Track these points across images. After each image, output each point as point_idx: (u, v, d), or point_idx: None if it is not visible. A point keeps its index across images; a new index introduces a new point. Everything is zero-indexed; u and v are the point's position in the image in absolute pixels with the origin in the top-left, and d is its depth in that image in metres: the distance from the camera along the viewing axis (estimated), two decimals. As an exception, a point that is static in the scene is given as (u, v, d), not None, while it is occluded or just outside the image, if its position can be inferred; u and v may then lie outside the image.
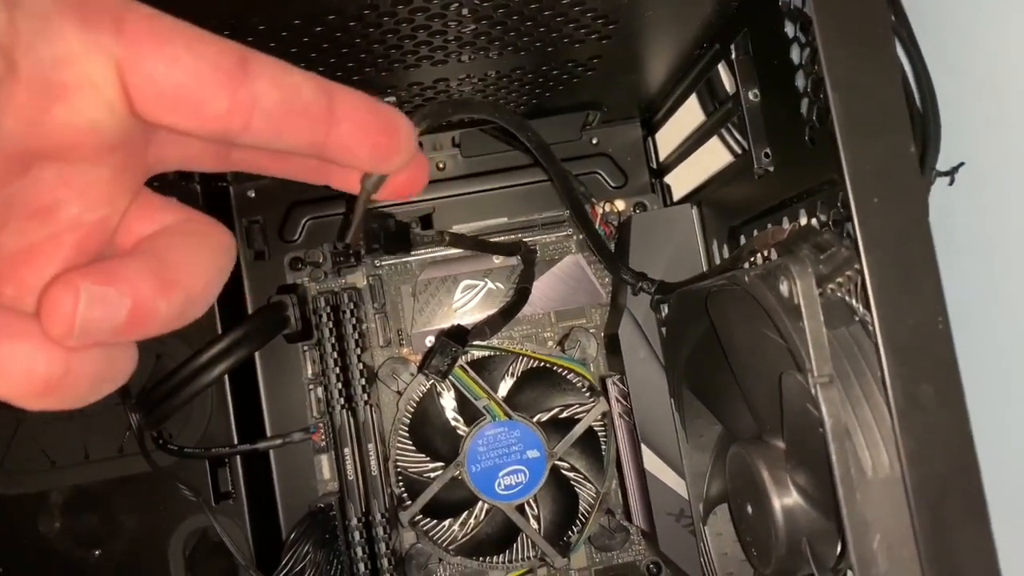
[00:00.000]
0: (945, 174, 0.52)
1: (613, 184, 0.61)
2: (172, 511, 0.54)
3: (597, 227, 0.57)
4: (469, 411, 0.53)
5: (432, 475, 0.53)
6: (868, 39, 0.29)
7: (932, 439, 0.27)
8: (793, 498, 0.36)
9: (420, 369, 0.50)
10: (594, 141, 0.61)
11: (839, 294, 0.31)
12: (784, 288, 0.31)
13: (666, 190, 0.61)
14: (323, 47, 0.38)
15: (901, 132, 0.28)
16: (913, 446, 0.27)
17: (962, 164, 0.52)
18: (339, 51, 0.38)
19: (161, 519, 0.54)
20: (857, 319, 0.31)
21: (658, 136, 0.61)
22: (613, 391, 0.53)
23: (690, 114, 0.58)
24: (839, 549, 0.34)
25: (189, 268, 0.20)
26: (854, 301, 0.30)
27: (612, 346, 0.55)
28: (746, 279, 0.34)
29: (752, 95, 0.42)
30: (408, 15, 0.36)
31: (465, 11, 0.36)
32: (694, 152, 0.55)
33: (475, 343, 0.49)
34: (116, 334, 0.18)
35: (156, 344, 0.55)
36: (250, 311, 0.57)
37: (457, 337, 0.48)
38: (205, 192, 0.57)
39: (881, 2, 0.29)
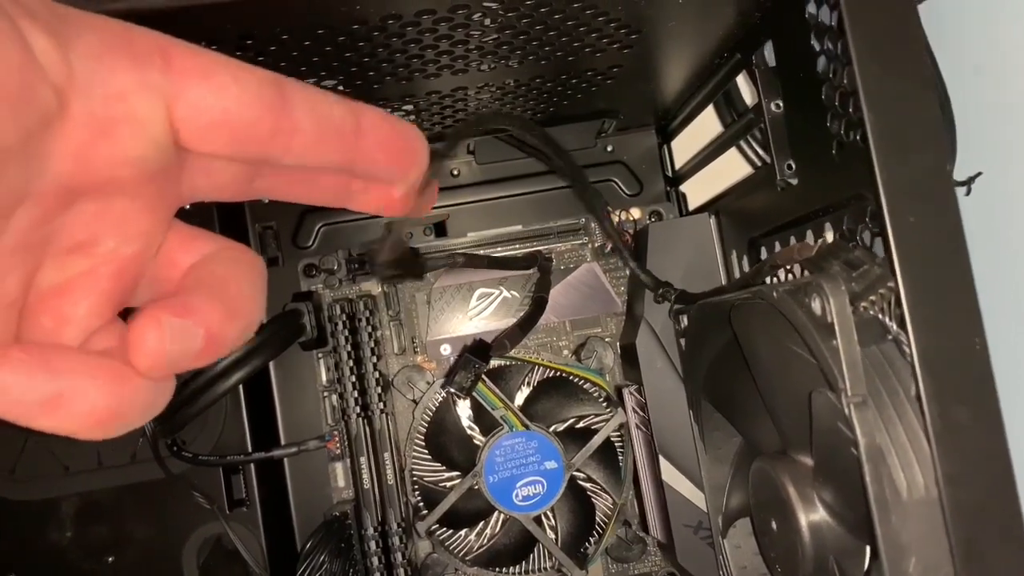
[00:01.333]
0: (962, 184, 0.52)
1: (628, 192, 0.60)
2: (185, 518, 0.54)
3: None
4: (485, 420, 0.53)
5: (448, 484, 0.53)
6: (903, 55, 0.28)
7: (969, 461, 0.27)
8: (820, 515, 0.36)
9: (444, 386, 0.50)
10: (609, 148, 0.60)
11: (872, 312, 0.30)
12: (816, 306, 0.30)
13: (682, 199, 0.61)
14: (345, 56, 0.37)
15: (937, 149, 0.28)
16: (950, 468, 0.27)
17: (979, 174, 0.52)
18: (360, 60, 0.38)
19: (174, 526, 0.54)
20: (890, 337, 0.30)
21: (674, 144, 0.61)
22: (630, 401, 0.53)
23: (706, 123, 0.58)
24: (866, 567, 0.33)
25: (244, 294, 0.21)
26: (887, 319, 0.30)
27: (628, 356, 0.54)
28: (774, 295, 0.34)
29: (775, 106, 0.42)
30: (431, 25, 0.35)
31: (488, 21, 0.36)
32: (712, 162, 0.55)
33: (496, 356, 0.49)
34: (192, 363, 0.20)
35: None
36: (264, 317, 0.57)
37: (479, 352, 0.47)
38: (219, 198, 0.56)
39: (916, 18, 0.29)
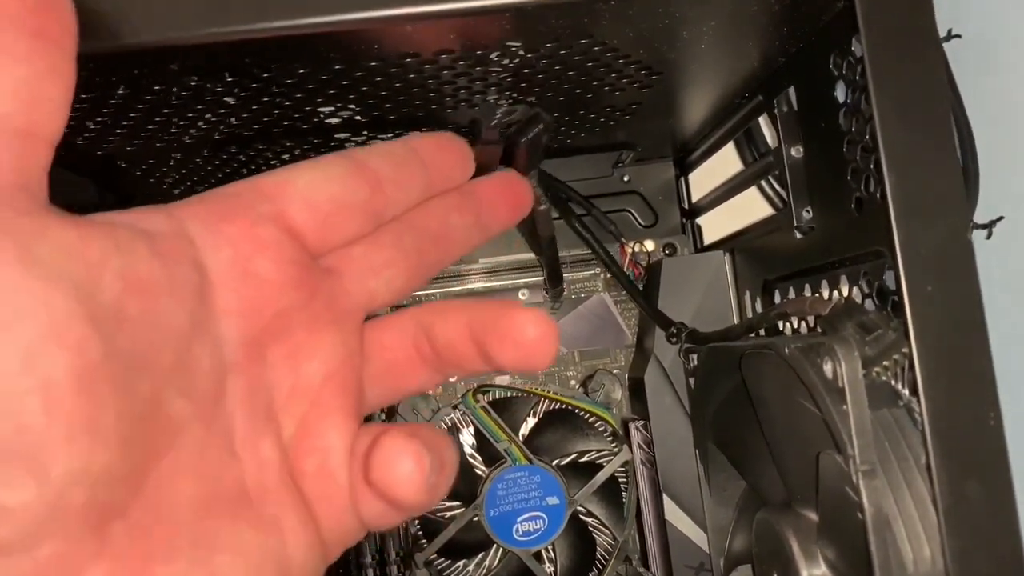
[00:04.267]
0: (983, 227, 0.51)
1: (643, 223, 0.60)
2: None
3: (626, 268, 0.56)
4: (488, 451, 0.53)
5: (448, 515, 0.52)
6: (928, 119, 0.28)
7: (978, 538, 0.26)
8: (822, 571, 0.36)
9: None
10: (625, 179, 0.60)
11: (884, 377, 0.30)
12: (828, 369, 0.30)
13: (697, 231, 0.60)
14: (362, 89, 0.37)
15: (958, 216, 0.27)
16: (958, 544, 0.26)
17: (1001, 218, 0.51)
18: (378, 93, 0.38)
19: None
20: (902, 404, 0.30)
21: (691, 177, 0.60)
22: (636, 437, 0.52)
23: (726, 158, 0.57)
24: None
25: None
26: (900, 385, 0.29)
27: (636, 390, 0.54)
28: (786, 350, 0.33)
29: (795, 151, 0.41)
30: (449, 63, 0.35)
31: (507, 61, 0.36)
32: (729, 199, 0.55)
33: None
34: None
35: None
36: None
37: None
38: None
39: (943, 80, 0.28)
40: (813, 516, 0.36)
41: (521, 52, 0.35)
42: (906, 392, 0.29)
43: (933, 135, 0.28)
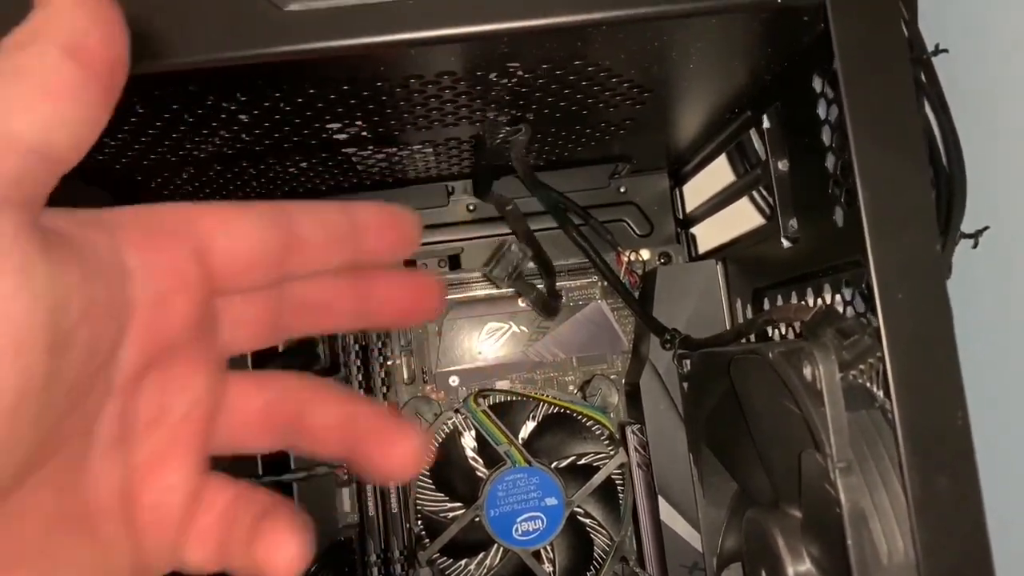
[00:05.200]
0: (969, 236, 0.53)
1: (639, 232, 0.62)
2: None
3: (622, 276, 0.58)
4: (488, 453, 0.54)
5: (450, 515, 0.54)
6: (900, 136, 0.30)
7: (947, 530, 0.28)
8: (807, 567, 0.37)
9: (485, 274, 0.53)
10: (622, 190, 0.62)
11: (860, 380, 0.31)
12: (808, 372, 0.32)
13: (691, 240, 0.62)
14: (367, 107, 0.39)
15: (928, 231, 0.29)
16: (928, 537, 0.28)
17: (987, 228, 0.53)
18: (383, 111, 0.40)
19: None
20: (877, 405, 0.31)
21: (685, 188, 0.62)
22: (632, 440, 0.54)
23: (719, 169, 0.59)
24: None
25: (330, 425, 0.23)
26: (875, 388, 0.31)
27: (632, 394, 0.56)
28: (771, 355, 0.35)
29: (781, 165, 0.43)
30: (451, 83, 0.37)
31: (505, 80, 0.38)
32: (722, 210, 0.56)
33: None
34: None
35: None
36: (280, 344, 0.59)
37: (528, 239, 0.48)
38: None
39: (912, 99, 0.30)
40: (798, 514, 0.38)
41: (519, 72, 0.37)
42: (880, 394, 0.31)
43: (904, 151, 0.29)
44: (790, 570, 0.37)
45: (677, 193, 0.63)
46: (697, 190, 0.61)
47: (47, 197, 0.17)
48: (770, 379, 0.36)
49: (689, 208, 0.62)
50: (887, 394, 0.30)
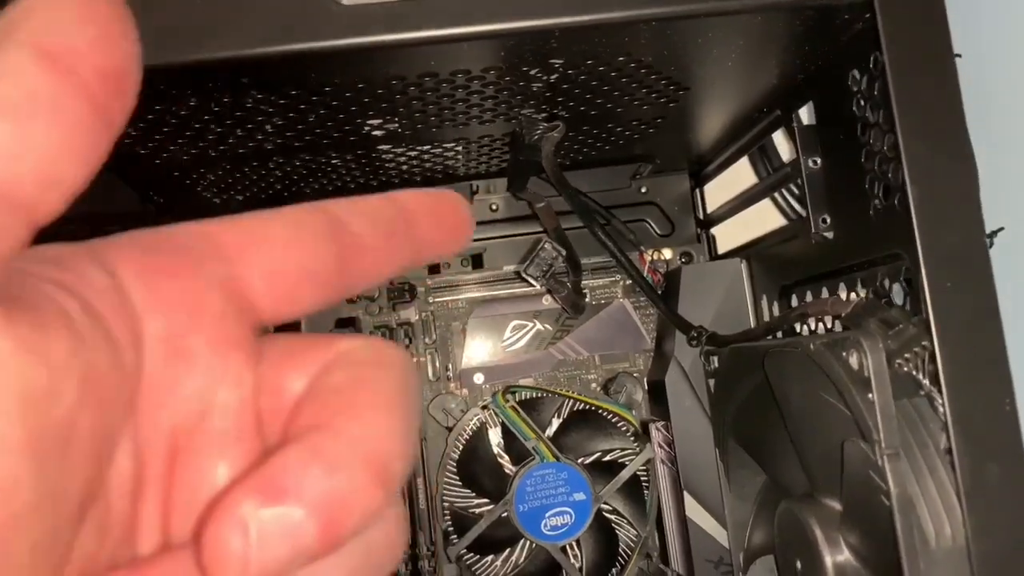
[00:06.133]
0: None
1: (660, 232, 0.62)
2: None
3: (645, 275, 0.58)
4: (515, 449, 0.55)
5: (477, 511, 0.54)
6: (946, 130, 0.30)
7: (997, 516, 0.29)
8: (845, 556, 0.38)
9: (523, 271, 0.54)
10: (643, 190, 0.63)
11: (906, 368, 0.32)
12: (854, 361, 0.32)
13: (711, 241, 0.63)
14: (410, 103, 0.39)
15: (975, 222, 0.30)
16: (978, 522, 0.29)
17: (1001, 229, 0.54)
18: (423, 107, 0.40)
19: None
20: (922, 393, 0.32)
21: (706, 188, 0.63)
22: (656, 437, 0.55)
23: (739, 170, 0.60)
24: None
25: (380, 425, 0.15)
26: (920, 376, 0.32)
27: (656, 392, 0.56)
28: (811, 347, 0.35)
29: (812, 162, 0.44)
30: (494, 79, 0.38)
31: (546, 76, 0.38)
32: (745, 209, 0.57)
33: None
34: (308, 563, 0.14)
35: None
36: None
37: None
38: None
39: (958, 92, 0.31)
40: (834, 505, 0.39)
41: (561, 68, 0.37)
42: (926, 382, 0.31)
43: (951, 143, 0.30)
44: (828, 559, 0.38)
45: (698, 193, 0.63)
46: (718, 190, 0.62)
47: (17, 251, 0.13)
48: (808, 372, 0.37)
49: (710, 208, 0.63)
50: (933, 382, 0.31)
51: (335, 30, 0.31)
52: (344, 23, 0.31)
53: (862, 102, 0.37)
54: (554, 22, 0.31)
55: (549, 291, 0.53)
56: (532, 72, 0.38)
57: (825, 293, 0.45)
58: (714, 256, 0.62)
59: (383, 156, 0.49)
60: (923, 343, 0.31)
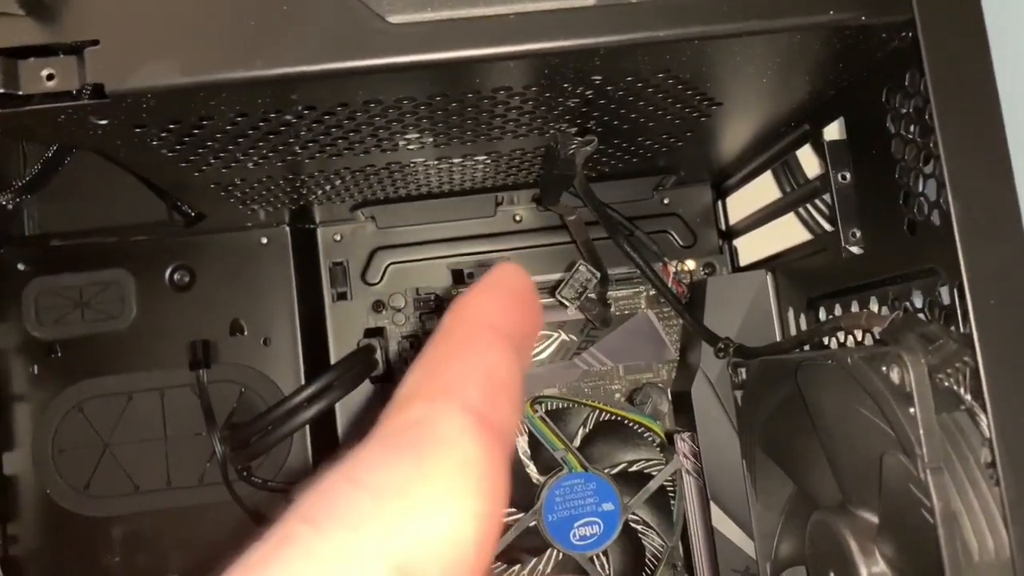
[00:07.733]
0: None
1: (683, 243, 0.63)
2: (249, 541, 0.56)
3: (670, 285, 0.59)
4: (542, 459, 0.55)
5: (505, 520, 0.55)
6: (988, 148, 0.31)
7: (1041, 530, 0.29)
8: (880, 568, 0.38)
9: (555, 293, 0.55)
10: (665, 201, 0.63)
11: (947, 383, 0.32)
12: (895, 375, 0.33)
13: (734, 252, 0.63)
14: (449, 119, 0.40)
15: (1017, 237, 0.30)
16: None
17: None
18: (462, 122, 0.41)
19: (237, 548, 0.56)
20: (963, 407, 0.32)
21: (729, 200, 0.63)
22: (683, 448, 0.55)
23: (762, 183, 0.60)
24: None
25: None
26: (962, 391, 0.32)
27: (681, 403, 0.57)
28: (849, 360, 0.36)
29: (841, 177, 0.44)
30: (534, 95, 0.38)
31: (582, 91, 0.39)
32: (769, 222, 0.58)
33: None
34: None
35: (240, 376, 0.58)
36: (332, 348, 0.60)
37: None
38: (294, 233, 0.59)
39: (999, 108, 0.31)
40: (869, 516, 0.39)
41: (599, 84, 0.38)
42: (968, 396, 0.32)
43: (993, 160, 0.31)
44: (864, 571, 0.38)
45: (720, 205, 0.64)
46: (740, 203, 0.62)
47: None
48: (843, 384, 0.37)
49: (732, 221, 0.63)
50: (975, 396, 0.31)
51: (382, 48, 0.31)
52: (391, 41, 0.31)
53: (897, 119, 0.37)
54: (600, 41, 0.32)
55: (580, 309, 0.54)
56: (570, 88, 0.38)
57: (855, 307, 0.45)
58: (736, 268, 0.63)
59: (416, 168, 0.49)
60: (964, 358, 0.32)
